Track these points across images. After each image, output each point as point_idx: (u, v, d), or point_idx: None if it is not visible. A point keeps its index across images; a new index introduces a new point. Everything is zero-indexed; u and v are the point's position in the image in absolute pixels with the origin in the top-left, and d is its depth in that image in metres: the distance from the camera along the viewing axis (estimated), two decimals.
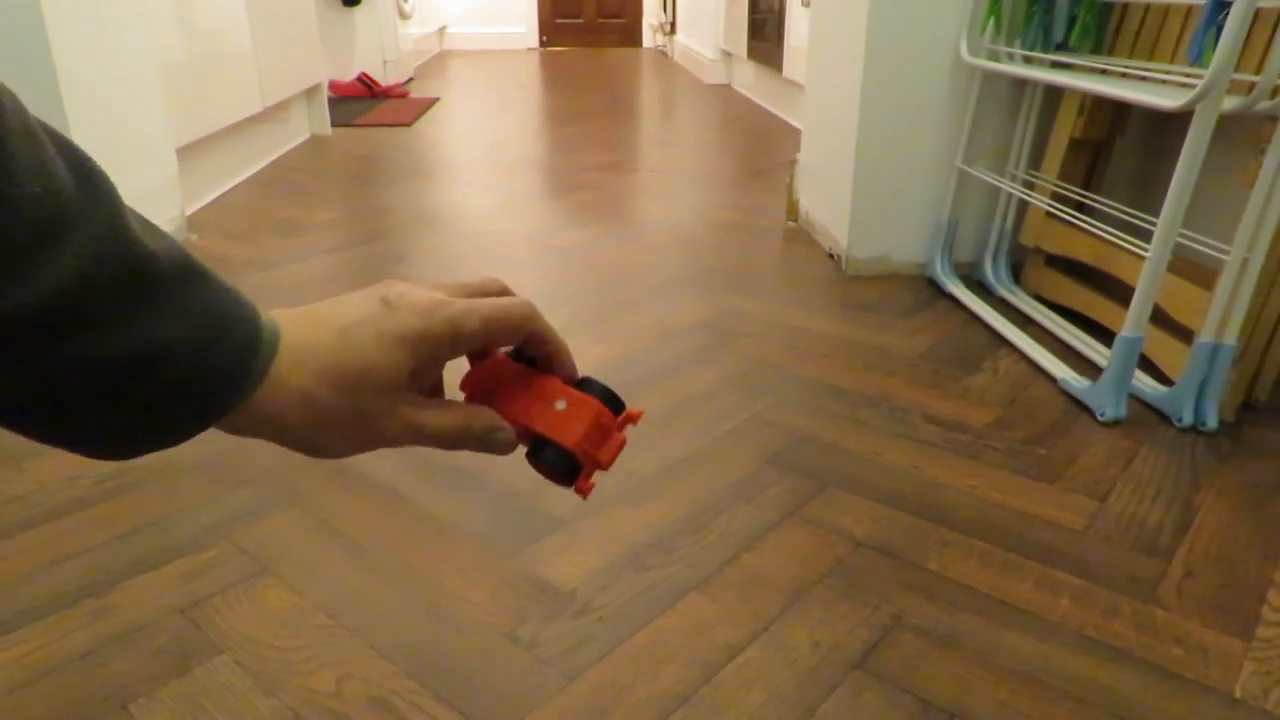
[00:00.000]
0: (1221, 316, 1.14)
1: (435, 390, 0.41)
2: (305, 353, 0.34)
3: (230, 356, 0.32)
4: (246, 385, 0.32)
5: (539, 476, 0.42)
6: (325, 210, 2.27)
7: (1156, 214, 1.15)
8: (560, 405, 0.39)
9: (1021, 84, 1.62)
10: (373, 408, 0.35)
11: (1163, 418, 1.19)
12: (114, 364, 0.29)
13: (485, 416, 0.38)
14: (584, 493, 0.39)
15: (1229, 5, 1.02)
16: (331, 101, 3.59)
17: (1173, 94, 1.14)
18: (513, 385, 0.40)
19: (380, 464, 1.06)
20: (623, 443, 0.39)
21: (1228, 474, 1.06)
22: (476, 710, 0.72)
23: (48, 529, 0.95)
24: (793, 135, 3.10)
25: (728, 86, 4.63)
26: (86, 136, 1.61)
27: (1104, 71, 1.41)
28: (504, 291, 0.39)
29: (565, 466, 0.38)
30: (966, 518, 0.97)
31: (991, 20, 1.55)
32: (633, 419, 0.40)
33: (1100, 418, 1.19)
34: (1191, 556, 0.91)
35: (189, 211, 2.17)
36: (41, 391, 0.28)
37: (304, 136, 3.21)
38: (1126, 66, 1.37)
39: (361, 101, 4.00)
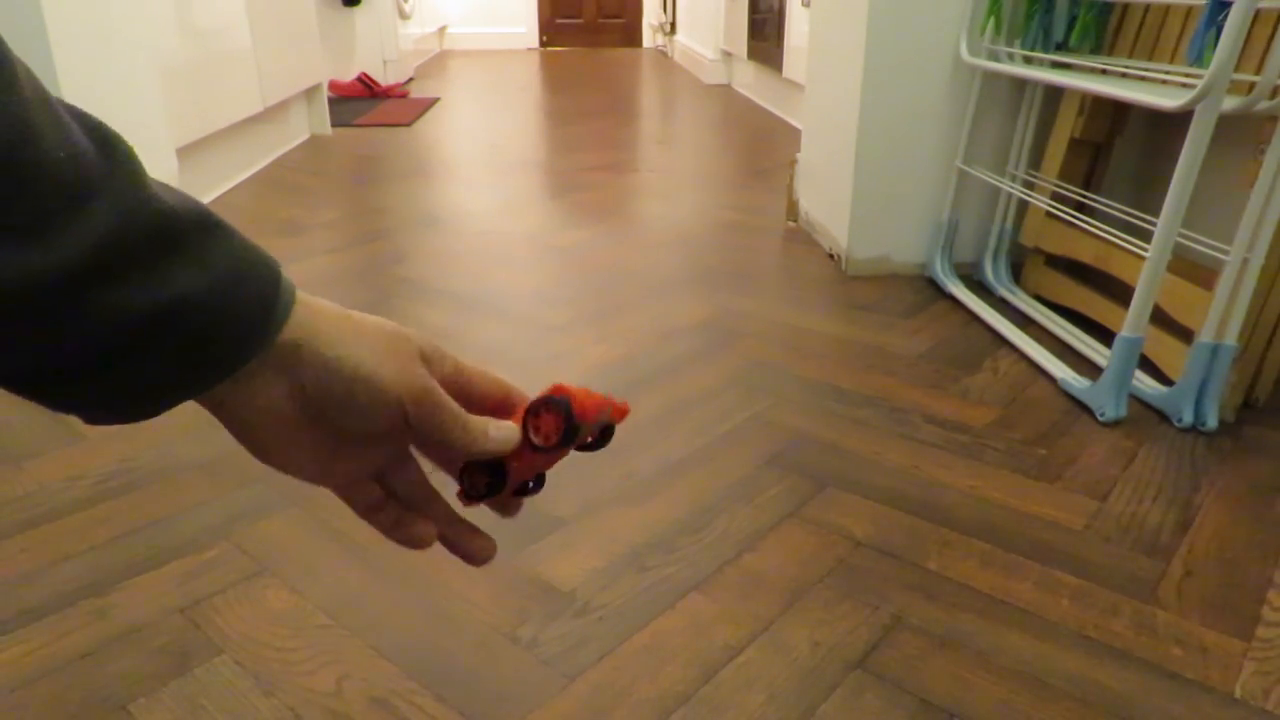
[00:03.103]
0: (1221, 317, 1.14)
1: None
2: (329, 302, 0.36)
3: (254, 297, 0.33)
4: (274, 316, 0.33)
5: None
6: (325, 210, 2.27)
7: (1156, 214, 1.15)
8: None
9: (1021, 84, 1.62)
10: (405, 346, 0.36)
11: (1163, 418, 1.19)
12: (141, 315, 0.30)
13: (486, 417, 0.39)
14: (624, 412, 0.41)
15: (1229, 5, 1.02)
16: (331, 101, 3.59)
17: (1173, 94, 1.14)
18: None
19: None
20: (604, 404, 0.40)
21: (1228, 474, 1.06)
22: (476, 710, 0.72)
23: (48, 529, 0.95)
24: (793, 135, 3.10)
25: (728, 86, 4.63)
26: None
27: (1104, 71, 1.41)
28: None
29: (559, 403, 0.39)
30: (966, 518, 0.98)
31: (991, 20, 1.55)
32: (623, 416, 0.41)
33: (1100, 418, 1.19)
34: (1191, 556, 0.91)
35: None
36: (73, 350, 0.29)
37: (304, 136, 3.21)
38: (1126, 66, 1.37)
39: (361, 101, 4.00)
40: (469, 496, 0.40)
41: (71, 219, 0.27)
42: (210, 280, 0.31)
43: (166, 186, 0.32)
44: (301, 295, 0.35)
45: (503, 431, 0.38)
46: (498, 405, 0.41)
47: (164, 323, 0.30)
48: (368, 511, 0.41)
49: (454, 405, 0.37)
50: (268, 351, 0.33)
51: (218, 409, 0.34)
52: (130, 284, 0.29)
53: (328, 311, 0.36)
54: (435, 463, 0.41)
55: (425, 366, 0.37)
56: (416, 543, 0.41)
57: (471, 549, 0.41)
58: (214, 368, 0.32)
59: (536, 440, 0.39)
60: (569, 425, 0.39)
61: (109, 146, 0.30)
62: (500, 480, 0.39)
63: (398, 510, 0.41)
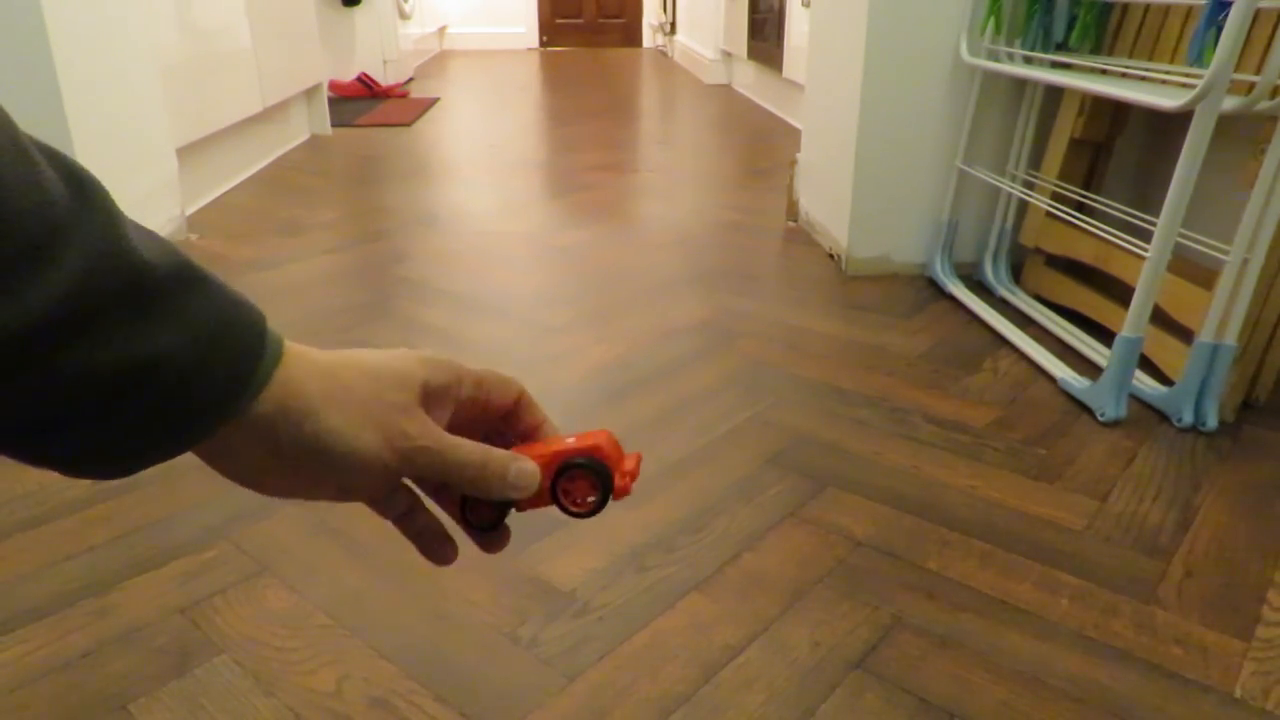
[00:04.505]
0: (1221, 316, 1.14)
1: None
2: (320, 354, 0.35)
3: (233, 357, 0.31)
4: (251, 386, 0.32)
5: None
6: (325, 210, 2.27)
7: (1156, 214, 1.15)
8: (570, 440, 0.39)
9: (1021, 84, 1.62)
10: (395, 398, 0.34)
11: (1163, 418, 1.19)
12: (112, 375, 0.28)
13: (504, 453, 0.37)
14: (623, 491, 0.39)
15: (1229, 5, 1.02)
16: (331, 101, 3.59)
17: (1173, 94, 1.14)
18: (520, 443, 0.40)
19: None
20: (638, 459, 0.40)
21: (1228, 474, 1.06)
22: (476, 710, 0.72)
23: (48, 529, 0.95)
24: (793, 135, 3.10)
25: (728, 86, 4.63)
26: (86, 136, 1.61)
27: (1104, 71, 1.41)
28: None
29: (600, 471, 0.38)
30: (966, 518, 0.97)
31: (991, 20, 1.55)
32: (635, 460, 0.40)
33: (1100, 418, 1.18)
34: (1191, 556, 0.91)
35: (189, 211, 2.17)
36: (40, 407, 0.28)
37: (304, 136, 3.21)
38: (1126, 66, 1.37)
39: (361, 101, 4.00)
40: (469, 527, 0.39)
41: (37, 272, 0.26)
42: (186, 339, 0.30)
43: (148, 234, 0.30)
44: (291, 349, 0.34)
45: (524, 478, 0.37)
46: (509, 413, 0.40)
47: (135, 383, 0.29)
48: (399, 519, 0.40)
49: (460, 451, 0.35)
50: (244, 417, 0.32)
51: (202, 459, 0.33)
52: (99, 341, 0.28)
53: (316, 367, 0.34)
54: (431, 497, 0.41)
55: (428, 410, 0.35)
56: (443, 560, 0.41)
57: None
58: (188, 430, 0.31)
59: (567, 504, 0.38)
60: (604, 497, 0.38)
61: (84, 193, 0.28)
62: (506, 513, 0.39)
63: (425, 518, 0.40)
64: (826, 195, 1.90)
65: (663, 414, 1.20)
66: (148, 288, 0.29)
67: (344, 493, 0.36)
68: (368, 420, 0.34)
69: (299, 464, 0.34)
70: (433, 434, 0.35)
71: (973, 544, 0.93)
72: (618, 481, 0.38)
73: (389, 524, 0.42)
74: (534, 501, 0.38)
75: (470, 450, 0.36)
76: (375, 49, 4.39)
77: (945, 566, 0.89)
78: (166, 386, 0.30)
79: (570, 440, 0.39)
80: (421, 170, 2.72)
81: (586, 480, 0.38)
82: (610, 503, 0.38)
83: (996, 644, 0.79)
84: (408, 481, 0.39)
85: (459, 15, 6.90)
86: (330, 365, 0.34)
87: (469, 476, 0.36)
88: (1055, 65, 1.47)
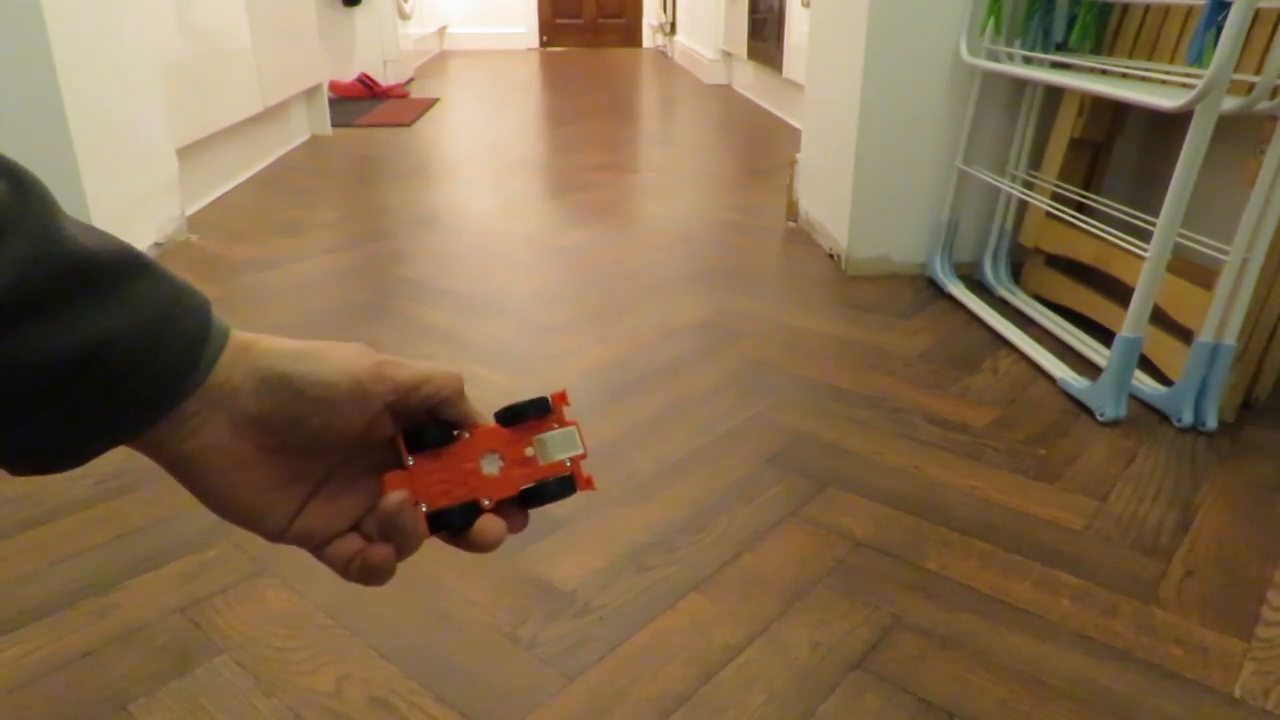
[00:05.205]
0: (1221, 316, 1.14)
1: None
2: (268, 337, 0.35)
3: (182, 338, 0.32)
4: (204, 359, 0.32)
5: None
6: (325, 210, 2.27)
7: (1156, 214, 1.15)
8: (491, 465, 0.39)
9: (1021, 84, 1.62)
10: (353, 350, 0.35)
11: (1163, 418, 1.19)
12: (57, 360, 0.29)
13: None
14: (589, 482, 0.40)
15: (1229, 5, 1.02)
16: (331, 101, 3.59)
17: (1173, 94, 1.14)
18: (440, 476, 0.39)
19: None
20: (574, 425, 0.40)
21: (1228, 474, 1.06)
22: (476, 710, 0.72)
23: (48, 529, 0.95)
24: (793, 135, 3.10)
25: (728, 86, 4.63)
26: (86, 136, 1.61)
27: (1104, 71, 1.41)
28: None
29: (566, 486, 0.39)
30: (966, 518, 0.98)
31: (991, 20, 1.55)
32: (562, 400, 0.41)
33: (1100, 418, 1.19)
34: (1191, 556, 0.91)
35: (189, 211, 2.17)
36: None
37: (304, 136, 3.21)
38: (1126, 66, 1.37)
39: (361, 101, 4.00)
40: (409, 444, 0.38)
41: None
42: (132, 322, 0.30)
43: (89, 228, 0.31)
44: (240, 334, 0.34)
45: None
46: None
47: (82, 367, 0.29)
48: (334, 560, 0.38)
49: (428, 363, 0.37)
50: (200, 391, 0.32)
51: (158, 454, 0.33)
52: (43, 328, 0.28)
53: (269, 340, 0.35)
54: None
55: (390, 381, 0.35)
56: (376, 572, 0.38)
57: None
58: (141, 412, 0.31)
59: (503, 410, 0.39)
60: (540, 399, 0.39)
61: (22, 187, 0.29)
62: (446, 434, 0.38)
63: (358, 542, 0.39)
64: (826, 195, 1.90)
65: (663, 414, 1.20)
66: (91, 275, 0.30)
67: (325, 477, 0.36)
68: (335, 351, 0.35)
69: (266, 424, 0.33)
70: (401, 364, 0.36)
71: (973, 544, 0.93)
72: (580, 480, 0.40)
73: None
74: (472, 446, 0.39)
75: (433, 364, 0.37)
76: (375, 49, 4.39)
77: (945, 566, 0.89)
78: (119, 366, 0.30)
79: (492, 466, 0.40)
80: (421, 170, 2.72)
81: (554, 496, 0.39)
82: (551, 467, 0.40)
83: (996, 644, 0.79)
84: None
85: (459, 15, 6.90)
86: (288, 339, 0.35)
87: (439, 379, 0.37)
88: (1055, 65, 1.47)
